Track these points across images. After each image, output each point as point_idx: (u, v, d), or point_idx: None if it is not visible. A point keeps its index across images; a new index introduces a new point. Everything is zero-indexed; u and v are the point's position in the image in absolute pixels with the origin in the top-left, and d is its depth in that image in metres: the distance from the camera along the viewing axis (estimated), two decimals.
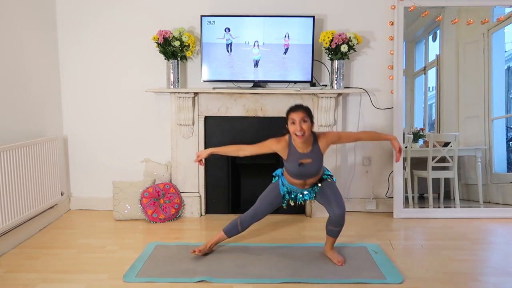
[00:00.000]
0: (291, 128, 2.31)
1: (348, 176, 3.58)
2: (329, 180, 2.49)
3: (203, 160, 2.62)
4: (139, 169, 3.51)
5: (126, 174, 3.52)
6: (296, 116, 2.28)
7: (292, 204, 2.55)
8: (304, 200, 2.53)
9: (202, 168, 3.45)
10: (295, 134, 2.29)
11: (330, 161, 3.41)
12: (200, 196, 3.47)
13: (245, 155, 2.50)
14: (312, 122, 2.33)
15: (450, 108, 3.81)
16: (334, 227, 2.46)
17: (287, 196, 2.52)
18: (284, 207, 2.57)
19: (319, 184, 2.48)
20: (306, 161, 2.36)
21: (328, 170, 2.57)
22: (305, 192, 2.50)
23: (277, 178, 2.58)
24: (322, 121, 3.36)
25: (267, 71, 3.29)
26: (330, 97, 3.30)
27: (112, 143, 3.55)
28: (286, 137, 2.41)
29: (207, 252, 2.59)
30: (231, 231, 2.59)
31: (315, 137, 2.40)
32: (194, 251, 2.52)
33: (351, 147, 3.55)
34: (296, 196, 2.53)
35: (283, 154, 2.41)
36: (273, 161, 3.47)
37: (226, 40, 3.26)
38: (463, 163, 3.78)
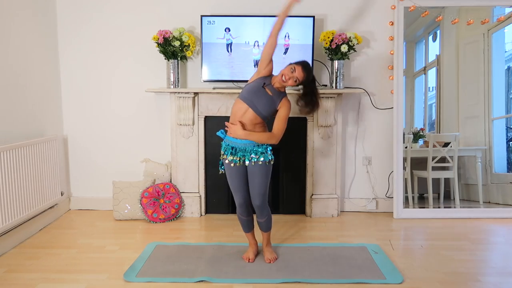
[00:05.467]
0: (285, 70, 2.30)
1: (348, 176, 3.58)
2: (266, 163, 2.38)
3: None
4: (139, 169, 3.51)
5: (126, 174, 3.52)
6: (298, 73, 2.29)
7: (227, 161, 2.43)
8: (243, 156, 2.39)
9: (202, 168, 3.45)
10: (282, 77, 2.29)
11: (330, 161, 3.41)
12: (200, 196, 3.47)
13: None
14: (300, 88, 2.40)
15: (450, 108, 3.82)
16: (258, 218, 2.47)
17: (228, 153, 2.44)
18: (230, 162, 2.41)
19: (254, 158, 2.37)
20: (267, 90, 2.35)
21: (269, 150, 2.42)
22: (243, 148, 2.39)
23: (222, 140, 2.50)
24: (322, 121, 3.35)
25: None
26: (330, 97, 3.30)
27: (112, 143, 3.56)
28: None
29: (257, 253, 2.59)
30: (245, 227, 2.55)
31: (283, 95, 2.40)
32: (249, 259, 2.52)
33: (351, 147, 3.55)
34: (233, 149, 2.42)
35: (260, 73, 2.39)
36: (273, 161, 3.48)
37: (226, 40, 3.26)
38: (463, 163, 3.78)
